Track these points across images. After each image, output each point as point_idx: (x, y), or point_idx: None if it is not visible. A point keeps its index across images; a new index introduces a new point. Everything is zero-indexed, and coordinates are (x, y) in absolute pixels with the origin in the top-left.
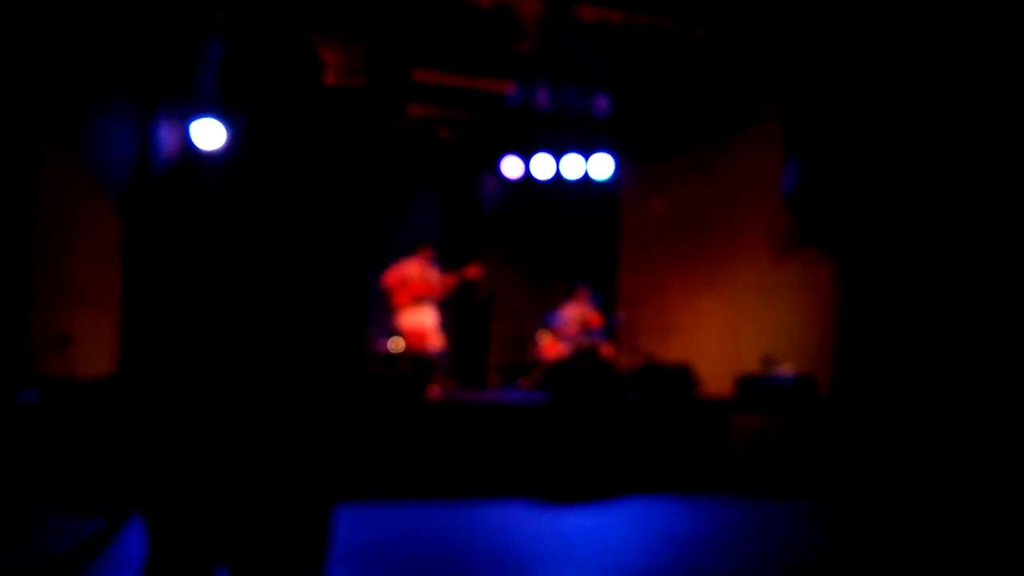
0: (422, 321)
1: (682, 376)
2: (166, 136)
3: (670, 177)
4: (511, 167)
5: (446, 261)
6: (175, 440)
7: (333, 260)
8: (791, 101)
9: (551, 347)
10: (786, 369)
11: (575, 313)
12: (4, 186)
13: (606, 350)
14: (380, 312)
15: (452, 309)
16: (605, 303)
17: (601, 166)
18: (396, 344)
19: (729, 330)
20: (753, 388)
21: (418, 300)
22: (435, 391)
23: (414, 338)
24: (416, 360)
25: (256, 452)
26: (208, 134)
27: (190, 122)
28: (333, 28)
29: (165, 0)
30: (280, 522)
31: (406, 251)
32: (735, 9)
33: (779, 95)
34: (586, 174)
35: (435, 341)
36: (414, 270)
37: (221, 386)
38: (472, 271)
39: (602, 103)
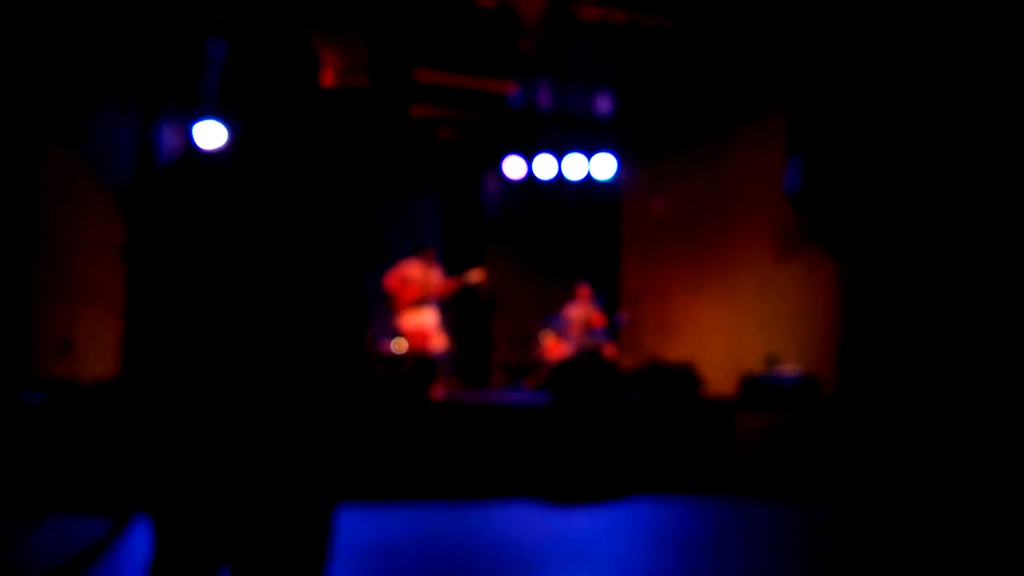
0: (423, 322)
1: (685, 376)
2: (168, 137)
3: (672, 176)
4: (513, 167)
5: (448, 262)
6: (178, 441)
7: (333, 261)
8: (793, 99)
9: (554, 347)
10: (789, 368)
11: (578, 313)
12: (7, 187)
13: (609, 350)
14: (382, 314)
15: (455, 309)
16: (608, 303)
17: (603, 166)
18: (399, 345)
19: (732, 329)
20: (756, 387)
21: (419, 301)
22: (438, 391)
23: (416, 339)
24: (419, 361)
25: (259, 453)
26: (210, 135)
27: (192, 123)
28: (335, 28)
29: (167, 1)
30: (282, 523)
31: (407, 252)
32: (736, 7)
33: (781, 93)
34: (588, 174)
35: (437, 341)
36: (415, 271)
37: (223, 387)
38: (475, 276)
39: (604, 103)
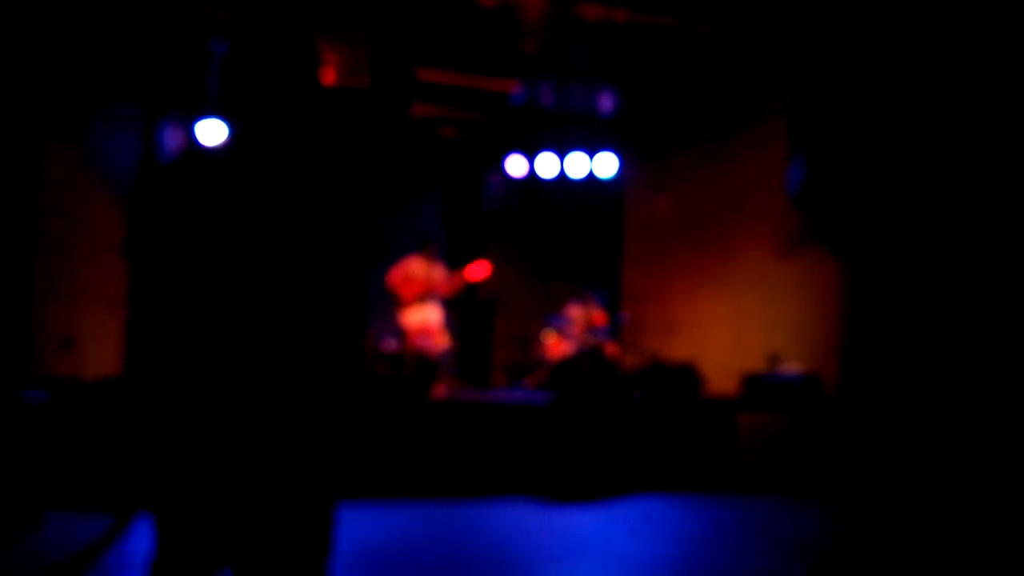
0: (427, 318)
1: (687, 375)
2: (170, 136)
3: (674, 175)
4: (515, 166)
5: (451, 260)
6: (180, 440)
7: (333, 260)
8: (795, 98)
9: (556, 346)
10: (791, 367)
11: (580, 312)
12: (9, 186)
13: (611, 349)
14: (385, 310)
15: (456, 308)
16: (610, 302)
17: (605, 164)
18: (397, 344)
19: (734, 328)
20: (758, 386)
21: (423, 297)
22: (440, 391)
23: (419, 336)
24: (420, 360)
25: (260, 451)
26: (212, 134)
27: (194, 122)
28: (337, 28)
29: (169, 1)
30: (283, 522)
31: (410, 248)
32: (739, 7)
33: (783, 92)
34: (590, 173)
35: (440, 339)
36: (418, 267)
37: (224, 386)
38: (479, 270)
39: (606, 101)
